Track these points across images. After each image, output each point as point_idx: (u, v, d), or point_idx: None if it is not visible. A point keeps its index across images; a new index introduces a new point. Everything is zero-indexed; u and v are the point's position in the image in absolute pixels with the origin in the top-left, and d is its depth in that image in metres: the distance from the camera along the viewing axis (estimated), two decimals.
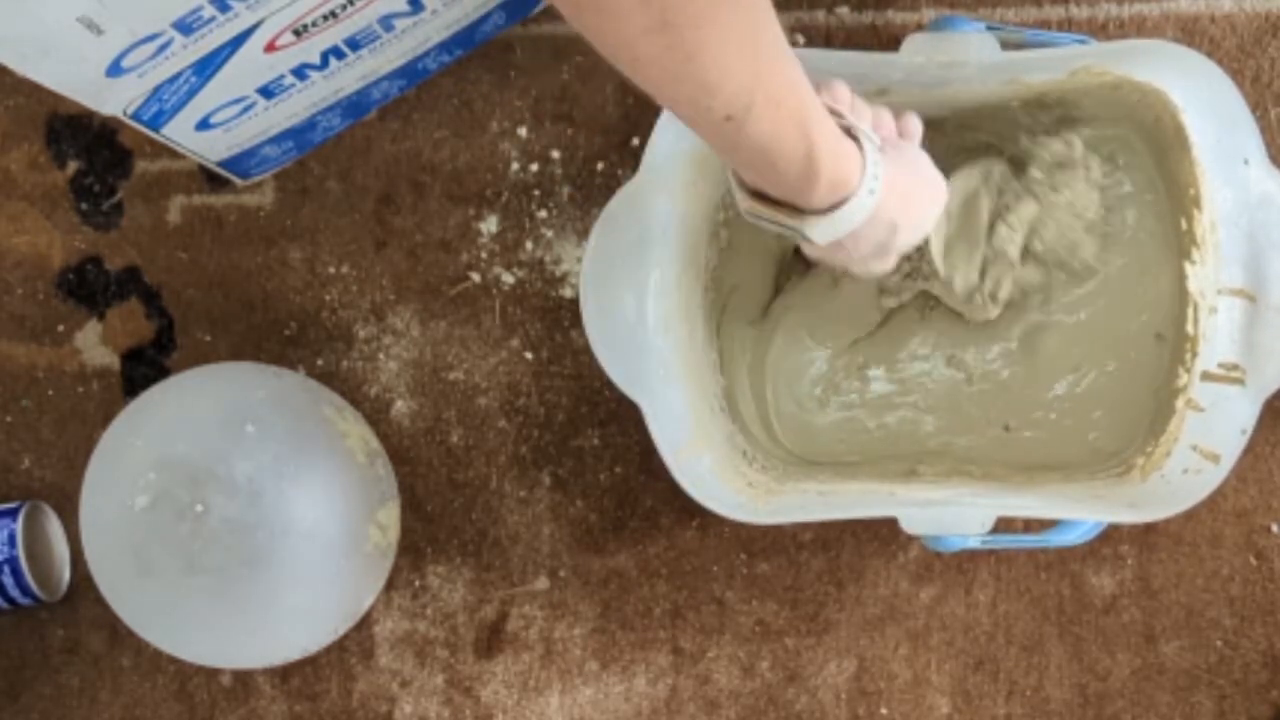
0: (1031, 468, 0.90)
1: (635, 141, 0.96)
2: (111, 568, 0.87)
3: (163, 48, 0.75)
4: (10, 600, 0.94)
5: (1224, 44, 0.94)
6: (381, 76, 0.92)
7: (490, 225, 0.97)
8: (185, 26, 0.75)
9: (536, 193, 0.96)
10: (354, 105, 0.94)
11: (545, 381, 0.96)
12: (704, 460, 0.85)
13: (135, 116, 0.81)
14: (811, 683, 0.94)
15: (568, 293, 0.96)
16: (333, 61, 0.86)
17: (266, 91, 0.86)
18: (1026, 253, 0.89)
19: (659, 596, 0.95)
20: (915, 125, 0.79)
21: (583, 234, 0.95)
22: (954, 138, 0.91)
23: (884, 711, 0.94)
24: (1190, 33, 0.94)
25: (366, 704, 0.96)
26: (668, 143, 0.83)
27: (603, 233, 0.84)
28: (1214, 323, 0.84)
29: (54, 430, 0.98)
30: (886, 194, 0.69)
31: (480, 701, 0.96)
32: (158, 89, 0.80)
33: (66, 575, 0.97)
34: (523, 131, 0.97)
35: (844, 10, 0.95)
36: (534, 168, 0.96)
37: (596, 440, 0.96)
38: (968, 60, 0.84)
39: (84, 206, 0.98)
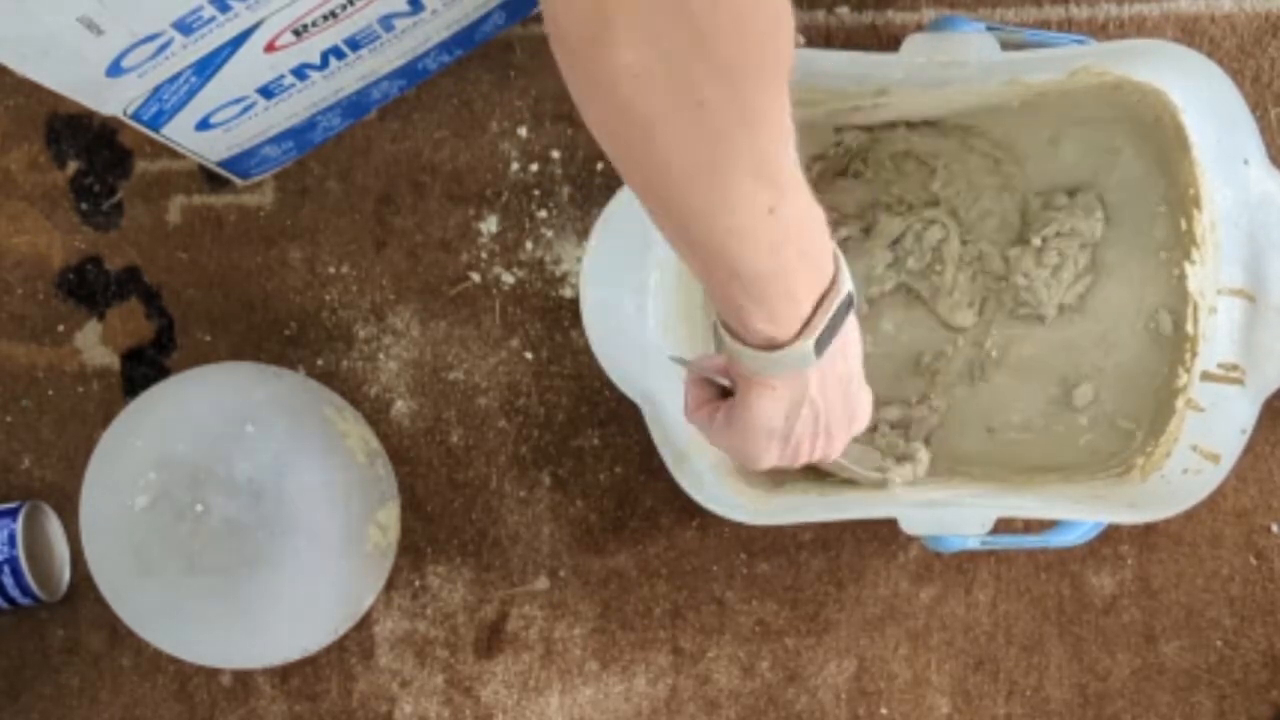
0: (1030, 469, 0.90)
1: None
2: (111, 568, 0.87)
3: (163, 48, 0.75)
4: (10, 600, 0.94)
5: (1224, 44, 0.94)
6: (381, 76, 0.92)
7: (490, 225, 0.96)
8: (185, 26, 0.74)
9: (536, 193, 0.96)
10: (354, 105, 0.94)
11: (545, 381, 0.96)
12: (704, 461, 0.85)
13: (135, 116, 0.81)
14: (811, 683, 0.94)
15: (568, 293, 0.96)
16: (333, 61, 0.86)
17: (266, 91, 0.86)
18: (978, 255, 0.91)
19: (659, 596, 0.95)
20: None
21: (583, 234, 0.95)
22: (953, 138, 0.91)
23: (884, 711, 0.94)
24: (1190, 33, 0.94)
25: (366, 704, 0.96)
26: None
27: (603, 233, 0.84)
28: (1214, 323, 0.84)
29: (54, 430, 0.98)
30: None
31: (480, 701, 0.96)
32: (158, 89, 0.79)
33: (66, 575, 0.97)
34: (523, 131, 0.97)
35: (844, 10, 0.95)
36: (534, 168, 0.96)
37: (596, 440, 0.96)
38: (968, 60, 0.84)
39: (84, 206, 0.98)
